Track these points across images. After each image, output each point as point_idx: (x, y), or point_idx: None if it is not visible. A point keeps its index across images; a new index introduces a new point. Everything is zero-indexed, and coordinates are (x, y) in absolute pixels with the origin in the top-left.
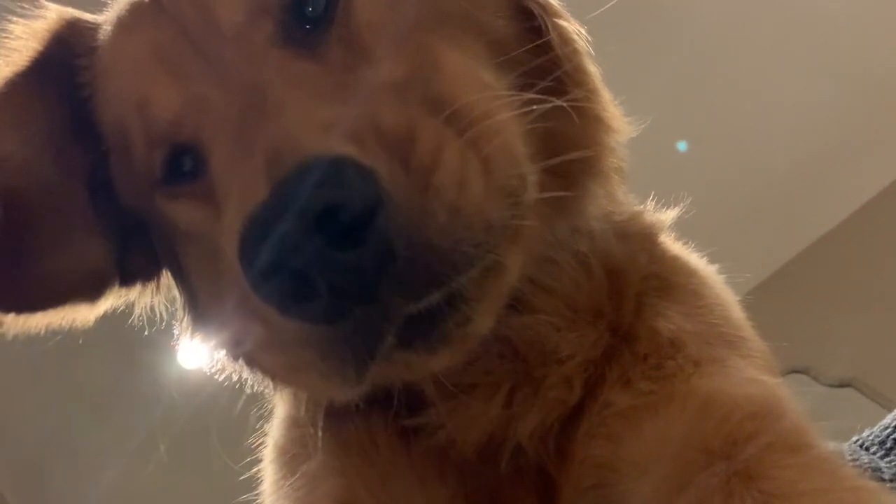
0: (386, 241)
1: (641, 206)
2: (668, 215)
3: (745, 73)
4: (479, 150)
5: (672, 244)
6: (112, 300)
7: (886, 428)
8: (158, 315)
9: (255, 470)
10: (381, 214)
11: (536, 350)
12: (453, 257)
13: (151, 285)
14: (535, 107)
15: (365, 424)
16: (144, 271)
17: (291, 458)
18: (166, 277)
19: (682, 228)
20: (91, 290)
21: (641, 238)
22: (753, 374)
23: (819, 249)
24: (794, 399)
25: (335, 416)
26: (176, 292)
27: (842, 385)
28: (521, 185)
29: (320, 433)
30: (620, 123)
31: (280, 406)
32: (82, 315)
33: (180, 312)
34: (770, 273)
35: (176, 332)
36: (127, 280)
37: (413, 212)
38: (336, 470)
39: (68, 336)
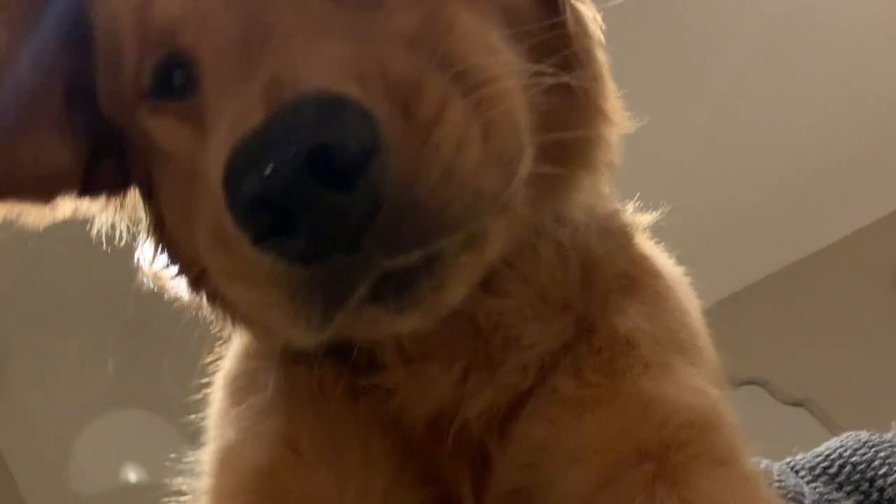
0: (376, 191)
1: (621, 205)
2: (646, 218)
3: (746, 91)
4: (482, 113)
5: (646, 243)
6: (70, 207)
7: (818, 456)
8: (118, 233)
9: (208, 384)
10: (375, 162)
11: (500, 334)
12: (440, 219)
13: (117, 201)
14: (541, 79)
15: (317, 372)
16: (112, 185)
17: (241, 388)
18: (133, 196)
19: (668, 229)
20: (46, 189)
21: (620, 235)
22: (700, 383)
23: (799, 271)
24: (732, 414)
25: (289, 358)
26: (141, 212)
27: (795, 404)
28: (518, 156)
29: (274, 372)
30: (620, 117)
31: (237, 337)
32: (35, 216)
33: (143, 234)
34: (748, 284)
35: (137, 253)
36: (92, 190)
37: (407, 165)
38: (282, 409)
39: (33, 237)
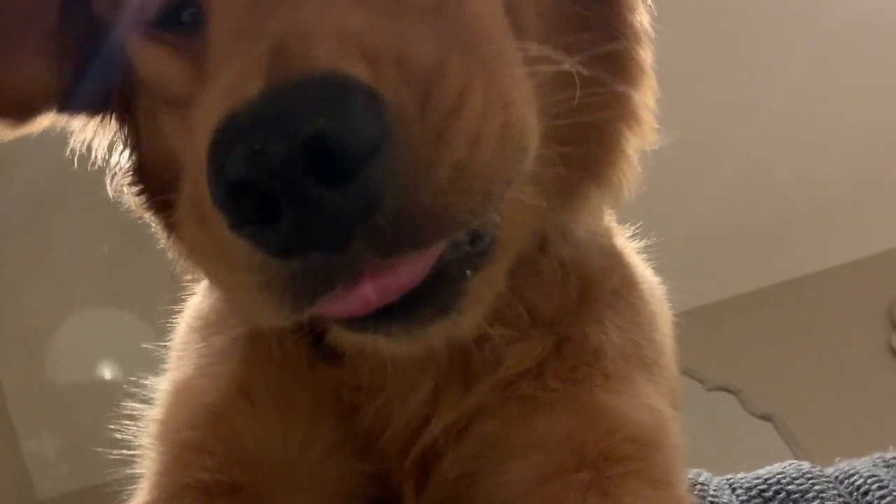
0: (376, 191)
1: (618, 225)
2: (637, 244)
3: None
4: (501, 104)
5: (628, 250)
6: (48, 121)
7: (758, 478)
8: (94, 154)
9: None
10: (379, 159)
11: (482, 354)
12: (441, 220)
13: (98, 121)
14: (555, 66)
15: (277, 332)
16: (94, 105)
17: (206, 325)
18: (114, 119)
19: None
20: (21, 113)
21: (616, 255)
22: (654, 401)
23: (796, 288)
24: (679, 435)
25: None
26: (119, 136)
27: (763, 417)
28: (526, 155)
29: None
30: (651, 129)
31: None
32: (5, 133)
33: (117, 157)
34: (742, 292)
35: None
36: (73, 107)
37: (416, 162)
38: (241, 355)
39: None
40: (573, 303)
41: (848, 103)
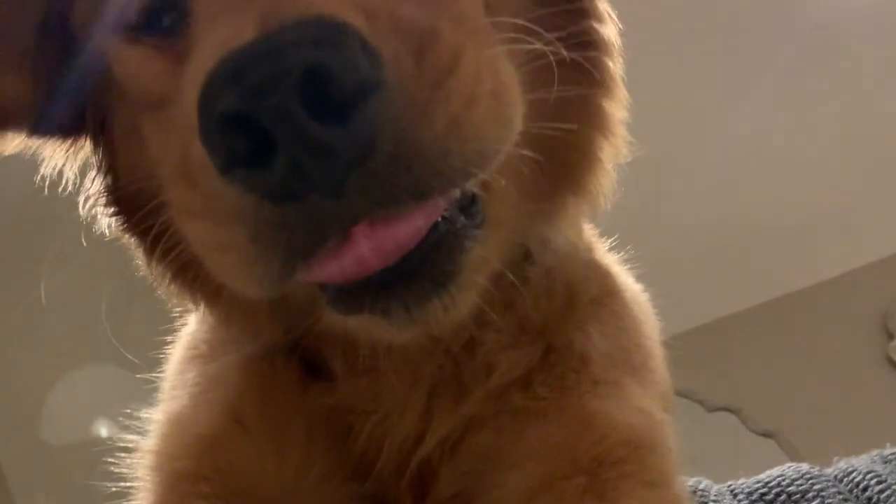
0: (372, 130)
1: (596, 238)
2: (616, 257)
3: (762, 123)
4: (492, 72)
5: (608, 259)
6: (17, 144)
7: (758, 482)
8: (66, 180)
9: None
10: (375, 98)
11: (475, 361)
12: (438, 170)
13: (69, 145)
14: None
15: (269, 358)
16: (66, 128)
17: (199, 355)
18: (86, 142)
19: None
20: None
21: (596, 265)
22: (645, 404)
23: (790, 304)
24: (672, 437)
25: (248, 335)
26: (92, 158)
27: (765, 435)
28: (514, 126)
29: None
30: (622, 143)
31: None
32: None
33: (90, 181)
34: (737, 310)
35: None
36: (45, 129)
37: (412, 110)
38: (233, 383)
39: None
40: (560, 310)
41: (827, 115)
